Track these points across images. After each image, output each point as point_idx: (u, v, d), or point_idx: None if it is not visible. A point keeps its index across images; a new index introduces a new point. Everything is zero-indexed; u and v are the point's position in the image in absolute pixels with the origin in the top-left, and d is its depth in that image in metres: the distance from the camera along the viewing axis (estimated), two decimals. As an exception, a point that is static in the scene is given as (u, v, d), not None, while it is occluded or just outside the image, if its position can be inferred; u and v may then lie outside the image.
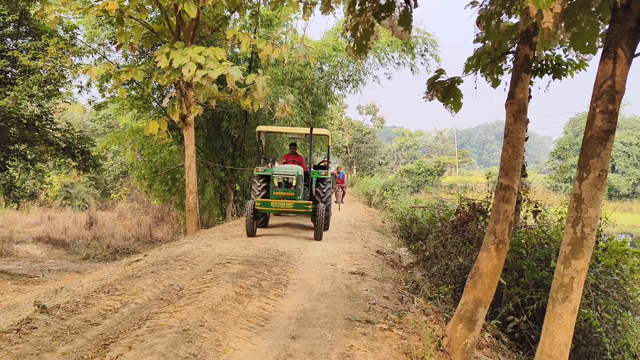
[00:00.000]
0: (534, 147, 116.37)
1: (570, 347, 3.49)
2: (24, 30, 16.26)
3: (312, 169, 12.11)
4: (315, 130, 12.28)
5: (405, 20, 3.61)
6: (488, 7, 4.20)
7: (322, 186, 11.51)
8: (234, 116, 18.52)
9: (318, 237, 10.29)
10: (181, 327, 4.53)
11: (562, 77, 7.32)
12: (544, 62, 7.42)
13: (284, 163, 12.48)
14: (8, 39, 16.14)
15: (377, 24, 3.67)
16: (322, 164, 13.16)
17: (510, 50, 5.72)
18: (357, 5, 3.57)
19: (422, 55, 23.11)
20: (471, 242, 8.12)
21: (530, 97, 7.83)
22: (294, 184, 10.43)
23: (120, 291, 5.99)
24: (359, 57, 3.84)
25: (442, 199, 14.22)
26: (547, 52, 7.25)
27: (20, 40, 16.16)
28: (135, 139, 19.95)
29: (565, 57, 7.21)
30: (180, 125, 14.03)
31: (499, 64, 6.10)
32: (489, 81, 6.31)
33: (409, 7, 3.57)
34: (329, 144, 13.23)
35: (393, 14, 3.59)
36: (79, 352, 4.11)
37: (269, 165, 12.38)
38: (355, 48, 3.72)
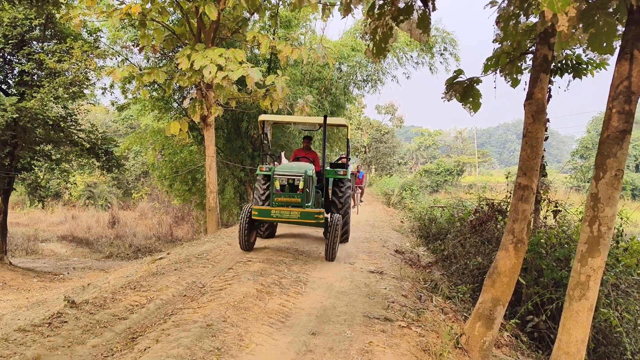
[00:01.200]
0: (556, 147, 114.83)
1: (587, 344, 3.53)
2: (50, 33, 16.67)
3: (327, 168, 10.12)
4: (330, 120, 10.13)
5: (424, 23, 3.69)
6: (507, 8, 4.25)
7: (340, 190, 9.64)
8: (253, 117, 18.72)
9: (330, 257, 8.17)
10: (205, 322, 4.67)
11: (583, 76, 7.30)
12: (563, 62, 7.40)
13: (294, 160, 10.32)
14: (34, 42, 16.58)
15: (396, 27, 3.76)
16: (341, 161, 11.04)
17: (529, 50, 5.75)
18: (376, 9, 3.66)
19: (442, 54, 23.06)
20: (490, 241, 8.13)
21: (550, 96, 7.82)
22: (300, 186, 8.19)
23: (146, 287, 6.17)
24: (377, 60, 3.93)
25: (461, 198, 14.19)
26: (567, 51, 7.24)
27: (46, 44, 16.58)
28: (156, 140, 20.30)
29: (585, 56, 7.19)
30: (201, 126, 14.26)
31: (518, 64, 6.13)
32: (508, 81, 6.34)
33: (427, 10, 3.65)
34: (348, 137, 11.17)
35: (411, 17, 3.67)
36: (109, 345, 4.28)
37: (275, 163, 10.59)
38: (374, 51, 3.81)
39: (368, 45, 3.87)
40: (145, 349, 4.04)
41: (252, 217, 8.13)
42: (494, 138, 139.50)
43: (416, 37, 3.73)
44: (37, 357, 3.92)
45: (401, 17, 3.70)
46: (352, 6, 3.74)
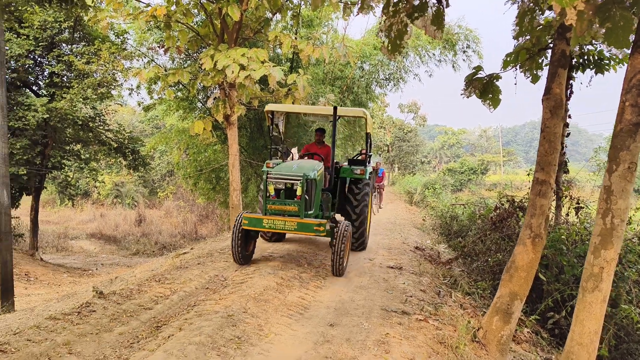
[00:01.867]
0: (584, 145, 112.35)
1: (599, 335, 3.56)
2: (78, 35, 17.17)
3: (345, 165, 9.08)
4: (343, 111, 8.96)
5: (438, 19, 3.76)
6: (522, 3, 4.28)
7: (356, 195, 8.47)
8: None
9: (336, 272, 6.87)
10: (226, 313, 4.82)
11: (605, 72, 7.24)
12: (585, 57, 7.35)
13: (304, 155, 9.00)
14: (64, 45, 17.09)
15: (411, 24, 3.84)
16: (360, 157, 9.73)
17: (548, 45, 5.74)
18: (390, 6, 3.74)
19: (464, 51, 22.87)
20: (510, 238, 8.10)
21: (571, 92, 7.76)
22: (298, 192, 6.85)
23: (170, 280, 6.37)
24: (393, 56, 4.01)
25: (483, 196, 14.10)
26: (588, 46, 7.19)
27: (75, 46, 17.08)
28: (181, 139, 20.65)
29: (607, 51, 7.13)
30: (224, 125, 14.48)
31: (538, 60, 6.12)
32: (528, 77, 6.34)
33: (441, 7, 3.72)
34: (367, 130, 9.25)
35: (426, 14, 3.74)
36: (134, 332, 4.46)
37: (285, 159, 9.37)
38: (389, 47, 3.89)
39: (383, 42, 3.95)
40: (169, 337, 4.21)
41: (243, 227, 6.92)
42: (520, 136, 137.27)
43: (430, 33, 3.80)
44: (67, 342, 4.12)
45: (416, 14, 3.77)
46: (371, 3, 3.83)
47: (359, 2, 4.69)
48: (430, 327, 5.11)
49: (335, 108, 8.26)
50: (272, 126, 9.56)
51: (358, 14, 3.97)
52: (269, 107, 9.43)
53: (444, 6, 3.71)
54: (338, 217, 8.63)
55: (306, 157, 8.84)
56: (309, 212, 7.15)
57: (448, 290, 7.05)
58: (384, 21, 3.82)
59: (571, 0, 2.47)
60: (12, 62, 15.68)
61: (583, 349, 3.51)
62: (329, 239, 7.04)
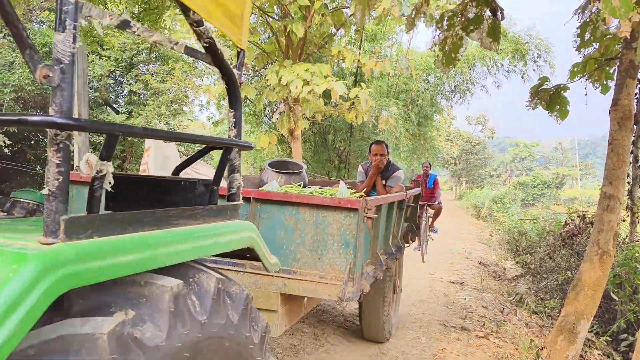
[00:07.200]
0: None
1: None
2: (154, 56, 18.25)
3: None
4: None
5: (494, 32, 3.74)
6: (582, 14, 4.17)
7: None
8: (339, 129, 19.11)
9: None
10: (284, 321, 4.96)
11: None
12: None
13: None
14: (141, 65, 18.24)
15: (466, 37, 3.84)
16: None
17: (617, 55, 5.50)
18: (445, 20, 3.77)
19: (535, 61, 22.09)
20: (581, 255, 7.73)
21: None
22: None
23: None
24: (447, 69, 4.02)
25: (554, 211, 13.51)
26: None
27: (151, 66, 18.17)
28: (248, 153, 21.30)
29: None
30: (289, 139, 14.84)
31: (608, 70, 5.88)
32: (597, 87, 6.10)
33: (497, 19, 3.70)
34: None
35: (481, 27, 3.74)
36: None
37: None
38: (443, 60, 3.91)
39: (437, 55, 3.98)
40: None
41: None
42: (599, 149, 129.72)
43: (486, 45, 3.79)
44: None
45: (471, 27, 3.77)
46: (415, 21, 3.89)
47: (409, 19, 4.71)
48: (491, 345, 4.99)
49: None
50: None
51: (408, 32, 4.03)
52: None
53: (500, 19, 3.69)
54: None
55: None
56: None
57: (512, 307, 6.83)
58: (438, 35, 3.85)
59: (626, 12, 2.40)
60: (94, 81, 16.91)
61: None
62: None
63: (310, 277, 2.97)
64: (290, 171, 4.65)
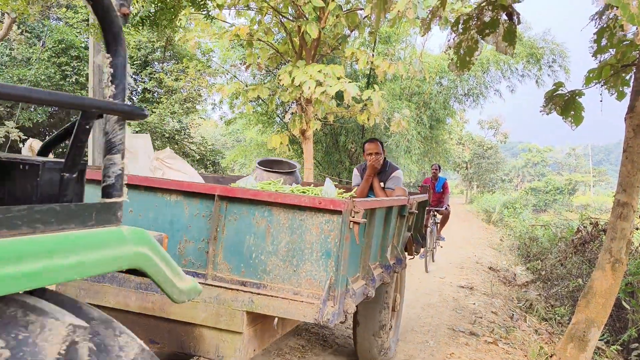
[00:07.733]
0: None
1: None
2: (169, 54, 18.40)
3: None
4: None
5: (510, 36, 3.72)
6: (599, 20, 4.14)
7: None
8: (351, 131, 19.09)
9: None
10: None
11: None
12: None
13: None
14: (155, 63, 18.38)
15: (481, 40, 3.82)
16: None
17: (634, 62, 5.44)
18: (460, 24, 3.76)
19: (550, 66, 21.90)
20: (593, 262, 7.66)
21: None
22: None
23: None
24: (461, 73, 4.01)
25: (566, 218, 13.39)
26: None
27: (165, 64, 18.32)
28: (259, 152, 21.36)
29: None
30: (300, 140, 14.86)
31: (624, 76, 5.83)
32: (613, 93, 6.05)
33: (513, 23, 3.68)
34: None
35: (497, 30, 3.72)
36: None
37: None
38: (458, 64, 3.90)
39: (451, 59, 3.97)
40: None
41: None
42: (613, 155, 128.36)
43: (502, 50, 3.77)
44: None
45: (487, 31, 3.76)
46: (431, 24, 3.87)
47: (424, 22, 4.70)
48: (500, 351, 4.96)
49: None
50: None
51: (423, 35, 4.02)
52: None
53: (516, 23, 3.67)
54: None
55: None
56: None
57: (522, 314, 6.78)
58: (453, 39, 3.84)
59: (644, 17, 2.38)
60: (110, 79, 17.09)
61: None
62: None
63: (283, 294, 2.46)
64: (282, 170, 4.22)
